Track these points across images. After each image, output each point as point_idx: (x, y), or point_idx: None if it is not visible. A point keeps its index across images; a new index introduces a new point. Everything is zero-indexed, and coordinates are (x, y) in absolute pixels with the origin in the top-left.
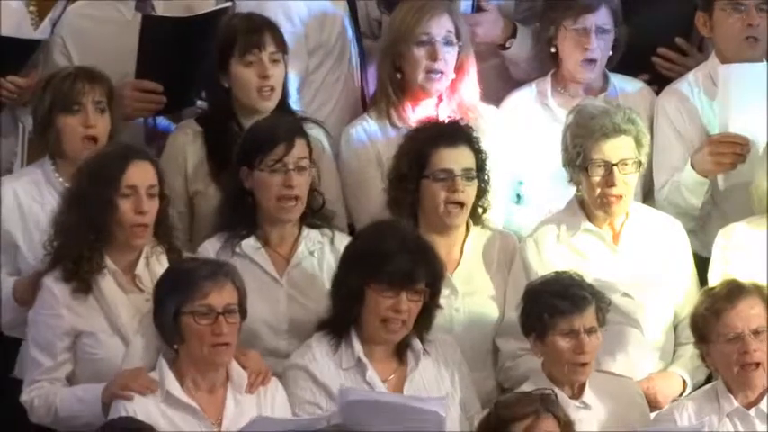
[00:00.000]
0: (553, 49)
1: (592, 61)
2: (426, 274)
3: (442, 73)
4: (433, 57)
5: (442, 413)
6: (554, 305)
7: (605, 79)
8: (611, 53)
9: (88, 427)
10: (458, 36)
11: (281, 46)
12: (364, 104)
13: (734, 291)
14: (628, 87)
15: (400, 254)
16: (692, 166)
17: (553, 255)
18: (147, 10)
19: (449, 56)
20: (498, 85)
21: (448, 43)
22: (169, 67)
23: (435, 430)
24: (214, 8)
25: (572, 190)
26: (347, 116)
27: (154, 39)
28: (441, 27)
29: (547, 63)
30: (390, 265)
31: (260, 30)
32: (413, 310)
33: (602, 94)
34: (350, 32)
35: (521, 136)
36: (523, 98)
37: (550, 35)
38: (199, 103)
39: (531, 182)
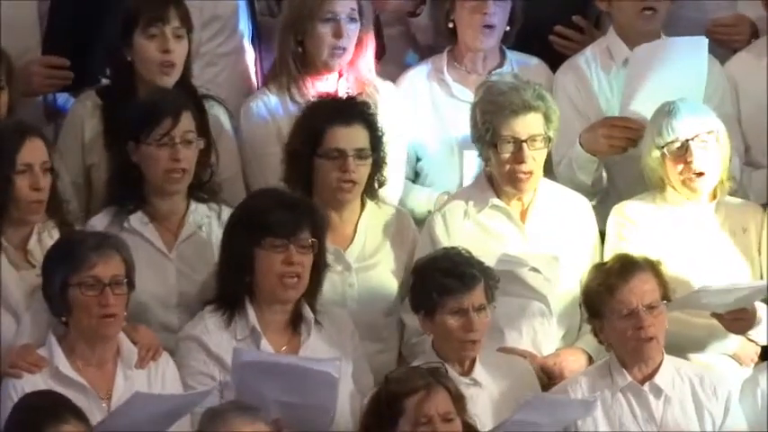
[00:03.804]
0: (450, 24)
1: (490, 27)
2: (309, 225)
3: (344, 49)
4: (338, 34)
5: (335, 374)
6: (443, 284)
7: (502, 55)
8: (508, 28)
9: None
10: (360, 13)
11: (186, 22)
12: (259, 80)
13: (627, 267)
14: (526, 64)
15: (279, 207)
16: (581, 143)
17: (460, 230)
18: None
19: (352, 33)
20: (405, 53)
21: (352, 20)
22: (77, 43)
23: (328, 393)
24: None
25: (470, 166)
26: (238, 90)
27: (63, 14)
28: (345, 5)
29: (444, 39)
30: (273, 218)
31: (165, 4)
32: (304, 263)
33: (498, 70)
34: (244, 7)
35: (418, 113)
36: (419, 75)
37: (447, 8)
38: (104, 81)
39: (428, 158)
